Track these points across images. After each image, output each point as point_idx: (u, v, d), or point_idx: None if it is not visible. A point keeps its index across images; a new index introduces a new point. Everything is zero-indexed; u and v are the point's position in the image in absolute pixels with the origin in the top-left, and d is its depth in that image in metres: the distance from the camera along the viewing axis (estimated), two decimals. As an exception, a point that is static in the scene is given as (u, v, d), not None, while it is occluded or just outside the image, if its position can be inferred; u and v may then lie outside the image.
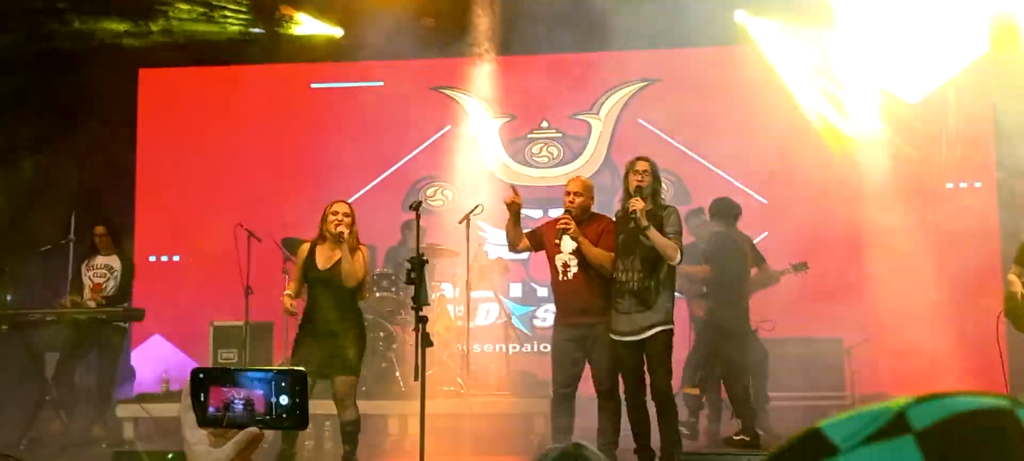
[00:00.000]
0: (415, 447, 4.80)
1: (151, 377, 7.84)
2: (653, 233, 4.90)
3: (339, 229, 5.13)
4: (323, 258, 5.23)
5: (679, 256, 4.97)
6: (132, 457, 5.27)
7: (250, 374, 1.04)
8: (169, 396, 6.98)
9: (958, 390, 0.45)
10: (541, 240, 5.46)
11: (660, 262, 5.01)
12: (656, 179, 5.14)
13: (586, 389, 5.39)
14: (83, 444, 6.69)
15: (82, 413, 6.98)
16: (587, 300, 5.18)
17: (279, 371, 1.05)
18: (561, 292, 5.32)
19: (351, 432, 5.23)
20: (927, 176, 8.53)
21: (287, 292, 5.39)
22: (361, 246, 5.29)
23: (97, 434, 6.83)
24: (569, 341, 5.26)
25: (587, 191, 5.30)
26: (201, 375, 1.04)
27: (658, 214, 5.03)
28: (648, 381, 5.14)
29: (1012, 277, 6.09)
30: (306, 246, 5.34)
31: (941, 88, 8.61)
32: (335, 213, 5.21)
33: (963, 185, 8.63)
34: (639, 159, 5.17)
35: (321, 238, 5.28)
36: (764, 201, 8.69)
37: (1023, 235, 6.36)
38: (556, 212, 8.20)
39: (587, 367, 5.32)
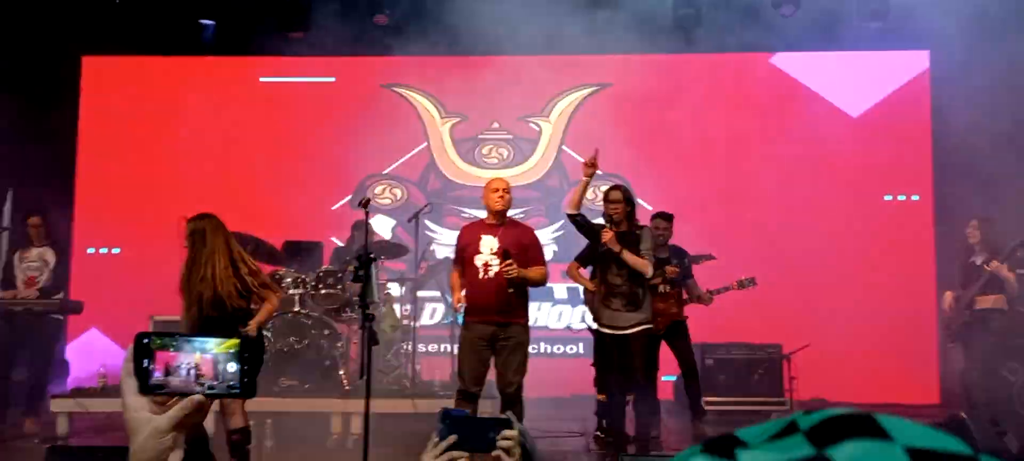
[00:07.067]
0: (358, 447, 4.76)
1: (87, 372, 7.64)
2: (626, 256, 5.45)
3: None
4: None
5: (651, 270, 5.52)
6: (66, 453, 5.12)
7: (198, 340, 1.00)
8: (105, 391, 6.79)
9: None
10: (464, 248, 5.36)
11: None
12: (628, 203, 5.63)
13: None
14: (14, 439, 6.50)
15: (14, 407, 6.78)
16: (506, 298, 5.12)
17: (229, 336, 1.01)
18: (480, 288, 5.17)
19: (239, 442, 4.61)
20: (867, 188, 8.75)
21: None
22: (269, 291, 4.83)
23: (29, 429, 6.65)
24: (480, 339, 5.16)
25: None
26: (145, 340, 0.99)
27: (636, 234, 5.60)
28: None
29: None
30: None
31: (881, 102, 8.85)
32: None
33: (901, 198, 8.87)
34: (612, 189, 5.69)
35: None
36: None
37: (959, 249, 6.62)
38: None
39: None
